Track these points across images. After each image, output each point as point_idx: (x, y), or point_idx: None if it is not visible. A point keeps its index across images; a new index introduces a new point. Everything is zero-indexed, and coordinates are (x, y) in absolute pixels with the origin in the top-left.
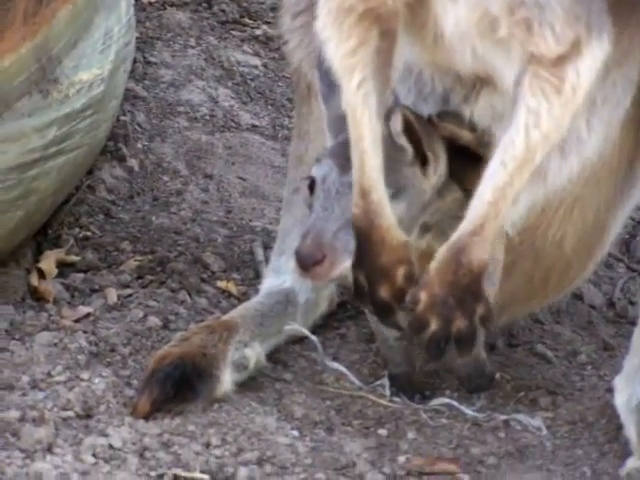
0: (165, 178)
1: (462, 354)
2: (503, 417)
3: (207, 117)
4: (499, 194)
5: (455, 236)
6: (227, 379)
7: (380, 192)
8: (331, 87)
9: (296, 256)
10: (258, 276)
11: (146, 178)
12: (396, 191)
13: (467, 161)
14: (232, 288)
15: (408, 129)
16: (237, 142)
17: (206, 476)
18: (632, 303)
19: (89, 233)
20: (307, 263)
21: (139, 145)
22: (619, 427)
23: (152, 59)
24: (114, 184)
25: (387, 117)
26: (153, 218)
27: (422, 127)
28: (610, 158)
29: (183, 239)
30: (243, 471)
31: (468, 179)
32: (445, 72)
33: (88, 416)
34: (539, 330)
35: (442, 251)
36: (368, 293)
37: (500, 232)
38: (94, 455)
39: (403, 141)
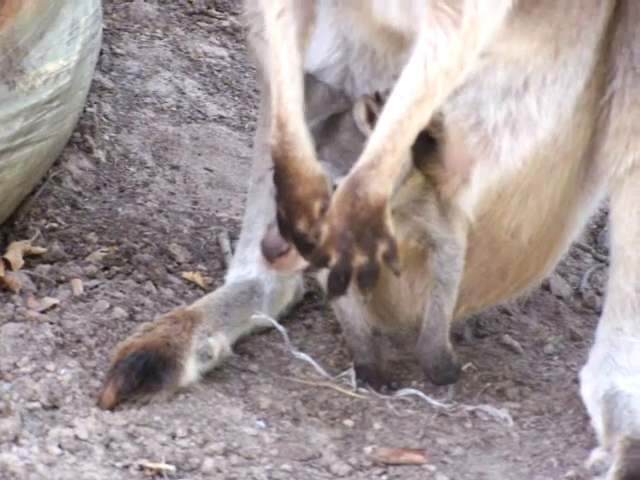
0: (132, 169)
1: (363, 291)
2: (470, 408)
3: (174, 108)
4: (397, 127)
5: (353, 169)
6: (191, 368)
7: (296, 124)
8: None
9: (261, 247)
10: (224, 267)
11: (112, 169)
12: None
13: (425, 145)
14: (198, 279)
15: (371, 118)
16: (204, 133)
17: (172, 467)
18: (599, 294)
19: (55, 224)
20: (272, 254)
21: (106, 136)
22: (586, 418)
23: (119, 50)
24: (80, 175)
25: (350, 106)
26: (119, 209)
27: None
28: (564, 142)
29: (149, 230)
30: (209, 462)
31: (427, 164)
32: (397, 49)
33: (54, 407)
34: (506, 321)
35: (341, 184)
36: (288, 227)
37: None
38: (60, 446)
39: (367, 130)
